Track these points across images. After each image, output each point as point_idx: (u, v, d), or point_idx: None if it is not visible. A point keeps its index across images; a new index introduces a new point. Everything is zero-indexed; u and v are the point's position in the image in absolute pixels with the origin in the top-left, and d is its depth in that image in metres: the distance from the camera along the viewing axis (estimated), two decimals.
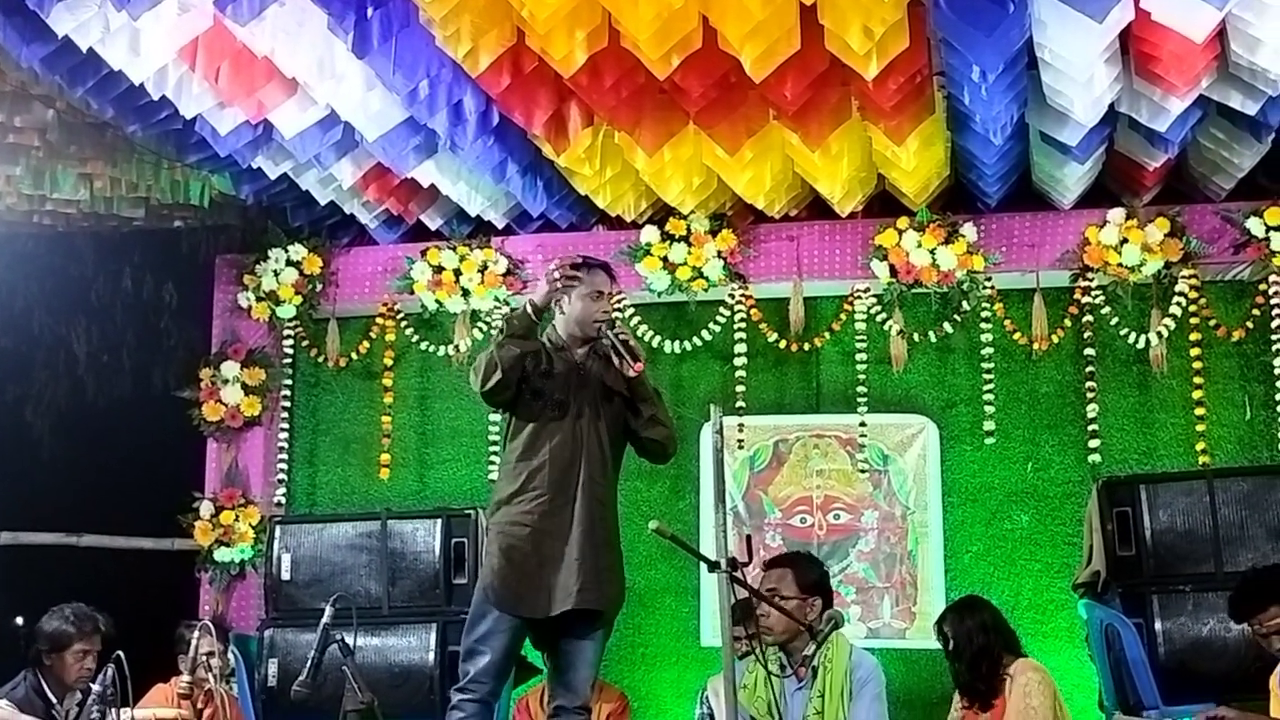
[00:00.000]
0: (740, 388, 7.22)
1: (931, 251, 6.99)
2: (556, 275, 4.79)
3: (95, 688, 4.30)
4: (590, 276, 5.01)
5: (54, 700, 5.69)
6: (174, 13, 5.45)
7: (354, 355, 7.71)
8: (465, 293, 7.46)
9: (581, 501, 4.85)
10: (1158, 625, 5.96)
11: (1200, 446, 6.88)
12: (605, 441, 4.97)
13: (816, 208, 7.30)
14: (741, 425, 7.20)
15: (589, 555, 4.80)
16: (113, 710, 4.27)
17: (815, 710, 5.25)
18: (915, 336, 7.18)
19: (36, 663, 5.75)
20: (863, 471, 7.26)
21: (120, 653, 4.35)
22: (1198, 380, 6.94)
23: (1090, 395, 7.02)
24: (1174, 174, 6.90)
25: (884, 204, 7.23)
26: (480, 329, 7.46)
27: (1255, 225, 6.83)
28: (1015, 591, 7.03)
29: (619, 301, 7.33)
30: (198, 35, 5.63)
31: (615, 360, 4.86)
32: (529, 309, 4.86)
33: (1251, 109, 5.70)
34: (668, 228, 7.24)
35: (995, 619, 6.01)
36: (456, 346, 7.50)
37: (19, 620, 8.74)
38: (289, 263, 7.64)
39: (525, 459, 4.92)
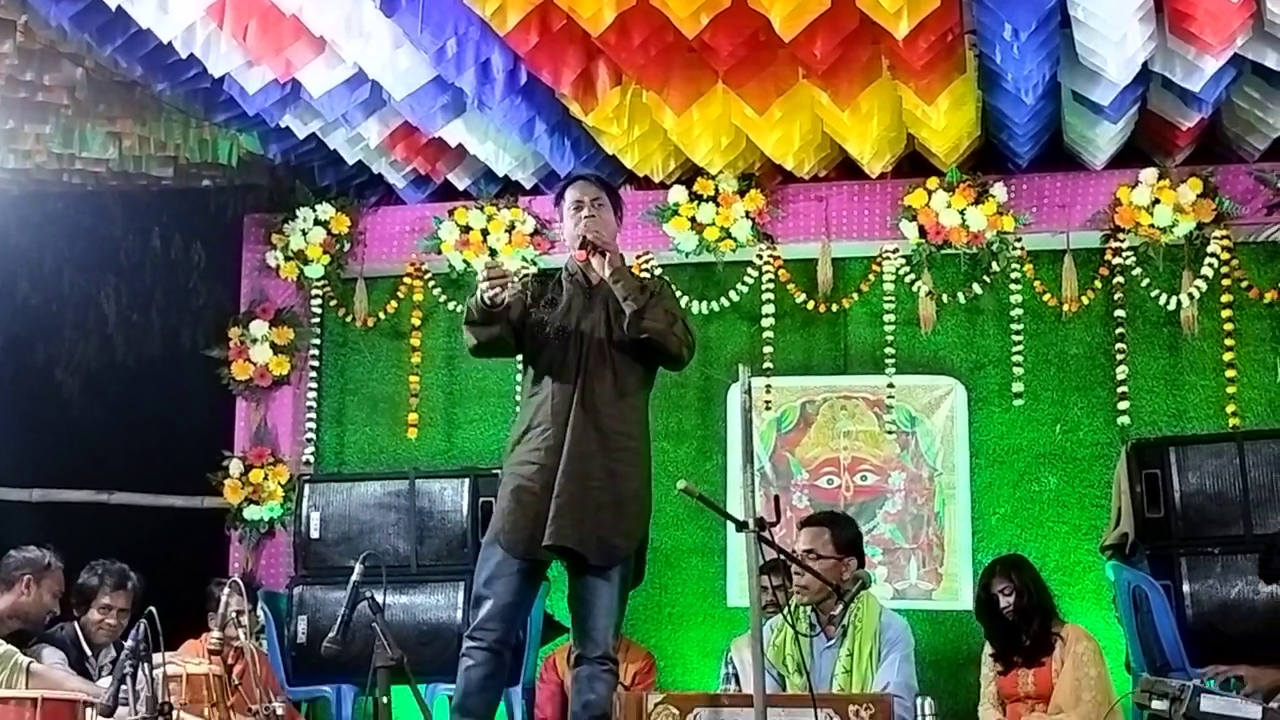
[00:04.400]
0: (768, 349, 7.21)
1: (961, 212, 6.95)
2: (484, 283, 4.61)
3: (128, 643, 4.34)
4: (570, 193, 4.90)
5: (88, 653, 5.76)
6: None
7: (381, 315, 7.73)
8: (493, 253, 7.44)
9: (572, 433, 4.65)
10: (1186, 587, 5.96)
11: (1231, 409, 6.84)
12: (615, 365, 4.75)
13: (845, 168, 7.27)
14: (769, 386, 7.19)
15: (570, 492, 4.61)
16: (144, 665, 4.30)
17: (844, 669, 5.27)
18: (944, 297, 7.15)
19: (72, 615, 5.83)
20: (890, 433, 7.25)
21: (152, 609, 4.38)
22: (1229, 342, 6.90)
23: (1120, 357, 6.99)
24: (1207, 134, 6.83)
25: (914, 164, 7.19)
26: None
27: None
28: (1042, 553, 7.01)
29: (647, 260, 7.32)
30: None
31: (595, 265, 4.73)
32: (473, 306, 4.71)
33: None
34: (696, 188, 7.21)
35: (1038, 575, 6.14)
36: None
37: None
38: (317, 222, 7.65)
39: (532, 395, 4.81)
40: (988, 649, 6.21)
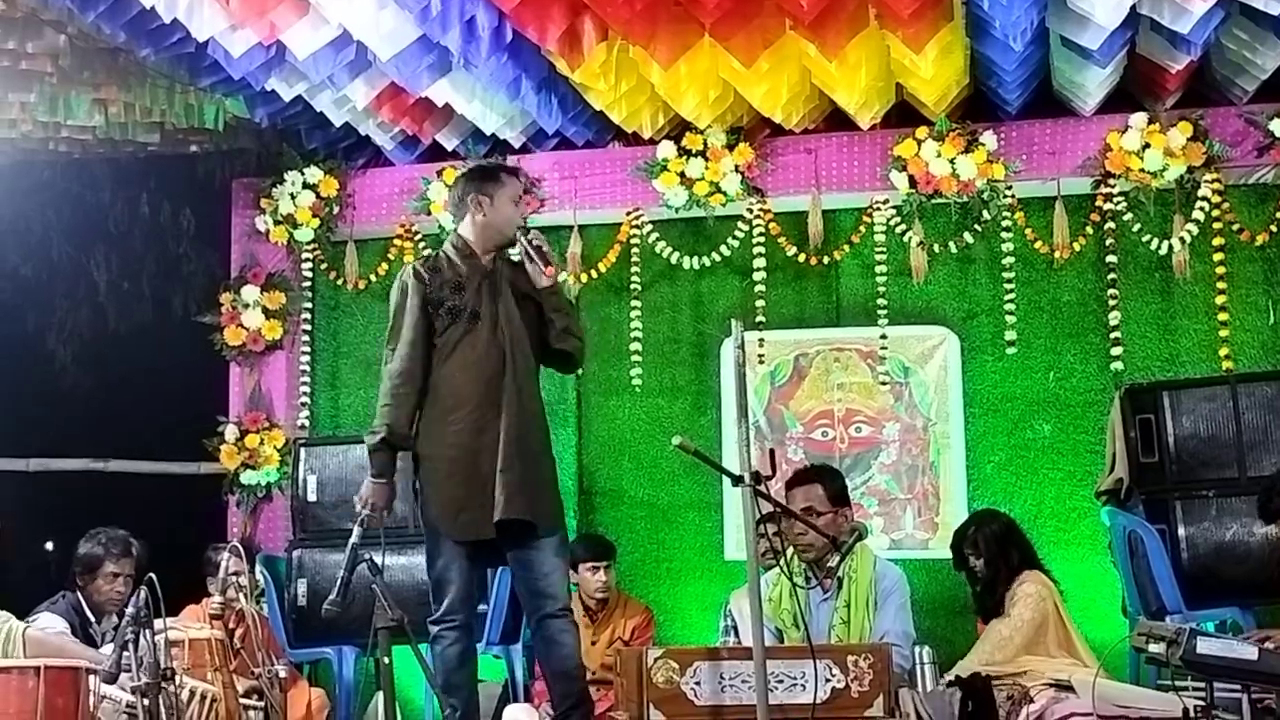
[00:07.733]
0: (760, 302, 7.20)
1: (951, 161, 6.93)
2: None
3: (129, 610, 4.35)
4: (513, 180, 5.09)
5: (91, 620, 5.77)
6: None
7: (373, 277, 7.71)
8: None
9: (508, 413, 4.82)
10: (1180, 531, 5.99)
11: (1223, 352, 6.85)
12: (528, 348, 4.94)
13: (835, 120, 7.24)
14: (762, 340, 7.19)
15: (517, 468, 4.79)
16: (146, 631, 4.32)
17: (841, 620, 5.28)
18: (935, 247, 7.14)
19: (75, 584, 5.84)
20: (884, 384, 7.26)
21: (152, 575, 4.39)
22: (1221, 285, 6.90)
23: (1112, 303, 6.99)
24: (1196, 77, 6.81)
25: (903, 115, 7.15)
26: None
27: (1278, 127, 6.75)
28: (1038, 501, 7.05)
29: (637, 217, 7.32)
30: None
31: (529, 268, 4.89)
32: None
33: (1275, 9, 5.61)
34: (684, 143, 7.18)
35: (1009, 530, 5.87)
36: None
37: (49, 546, 8.86)
38: (305, 185, 7.62)
39: (449, 377, 4.89)
40: None
